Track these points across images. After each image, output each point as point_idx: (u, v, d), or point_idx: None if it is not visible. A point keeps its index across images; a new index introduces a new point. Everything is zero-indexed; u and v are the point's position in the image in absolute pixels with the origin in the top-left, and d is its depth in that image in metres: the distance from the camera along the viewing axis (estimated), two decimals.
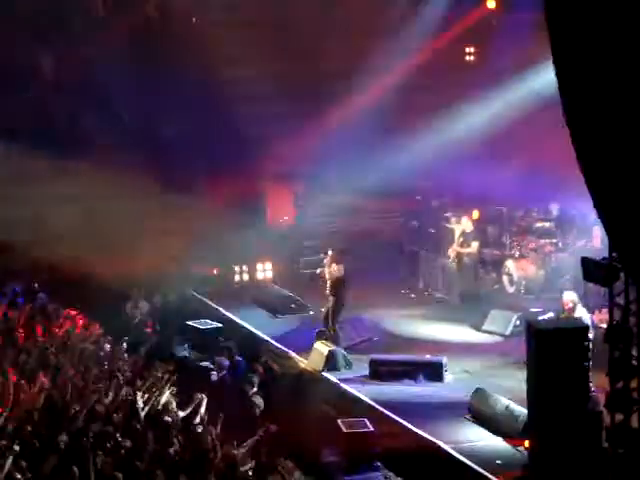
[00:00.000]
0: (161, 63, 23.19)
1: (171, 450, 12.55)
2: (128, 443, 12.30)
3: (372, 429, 14.07)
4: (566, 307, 14.65)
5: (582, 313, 14.54)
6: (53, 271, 20.36)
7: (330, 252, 18.34)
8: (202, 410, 14.10)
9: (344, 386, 16.41)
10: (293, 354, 17.85)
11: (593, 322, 14.80)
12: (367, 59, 22.81)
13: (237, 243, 21.81)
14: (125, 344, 16.93)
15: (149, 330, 18.81)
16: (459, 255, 20.35)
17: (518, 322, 17.69)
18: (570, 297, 14.74)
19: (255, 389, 15.36)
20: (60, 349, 15.91)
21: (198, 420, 13.85)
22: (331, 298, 18.08)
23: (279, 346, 18.27)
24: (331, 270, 18.12)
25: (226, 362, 16.46)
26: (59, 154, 21.63)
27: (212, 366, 16.47)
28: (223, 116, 23.34)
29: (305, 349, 17.78)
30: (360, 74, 22.88)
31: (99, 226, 21.70)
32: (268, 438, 13.48)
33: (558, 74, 8.88)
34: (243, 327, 19.49)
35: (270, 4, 23.32)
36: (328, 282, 18.16)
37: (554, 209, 21.45)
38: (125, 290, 20.03)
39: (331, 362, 17.10)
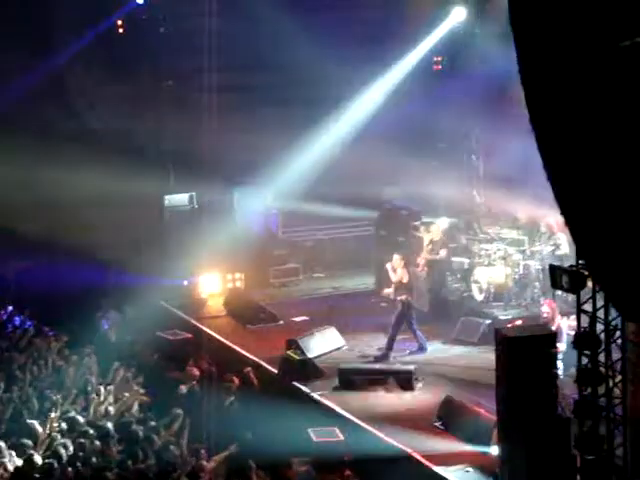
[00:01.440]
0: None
1: (139, 461, 12.54)
2: (98, 453, 12.30)
3: (342, 438, 14.08)
4: (544, 316, 14.68)
5: (561, 323, 14.55)
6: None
7: (394, 258, 18.27)
8: (176, 425, 14.10)
9: (314, 395, 16.39)
10: (264, 364, 17.81)
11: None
12: (336, 70, 22.90)
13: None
14: (94, 355, 16.91)
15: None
16: (428, 263, 20.41)
17: (487, 329, 17.74)
18: (549, 306, 14.77)
19: (232, 398, 15.34)
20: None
21: (171, 433, 13.84)
22: (399, 305, 17.99)
23: (250, 356, 18.23)
24: (396, 276, 18.05)
25: (195, 372, 16.42)
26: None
27: (181, 377, 16.41)
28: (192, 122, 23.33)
29: (275, 359, 17.74)
30: (329, 85, 22.93)
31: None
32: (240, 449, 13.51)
33: (524, 83, 8.95)
34: (213, 338, 19.44)
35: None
36: (393, 288, 18.14)
37: (522, 217, 21.58)
38: (95, 300, 20.01)
39: (301, 371, 17.09)
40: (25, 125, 22.20)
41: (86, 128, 23.40)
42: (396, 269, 18.18)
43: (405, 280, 18.08)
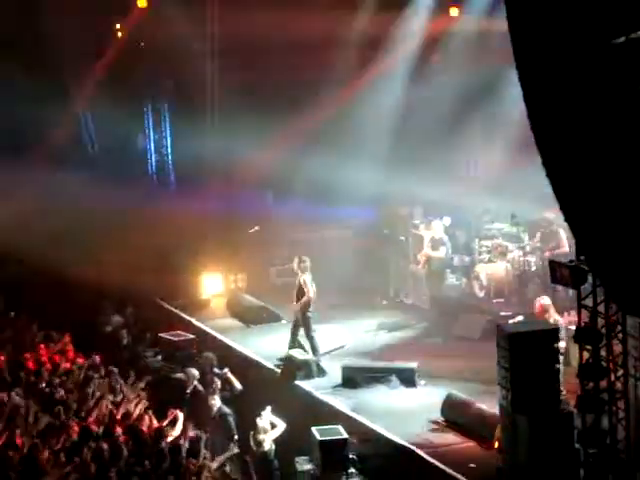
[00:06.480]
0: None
1: (146, 461, 12.62)
2: (106, 453, 12.39)
3: (346, 436, 14.14)
4: (537, 312, 14.74)
5: (555, 318, 14.61)
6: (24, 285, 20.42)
7: (295, 261, 18.20)
8: (179, 425, 14.17)
9: (318, 394, 16.46)
10: (267, 364, 17.87)
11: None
12: (331, 70, 23.01)
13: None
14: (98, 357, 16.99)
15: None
16: (429, 260, 20.48)
17: (488, 326, 17.79)
18: (542, 302, 14.84)
19: (217, 399, 15.40)
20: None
21: (175, 435, 13.91)
22: (299, 310, 17.87)
23: (252, 356, 18.29)
24: (298, 280, 17.91)
25: (196, 373, 16.46)
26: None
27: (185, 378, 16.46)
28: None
29: (278, 358, 17.80)
30: (325, 85, 23.06)
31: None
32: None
33: (521, 79, 9.02)
34: (216, 338, 19.49)
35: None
36: (295, 291, 17.91)
37: (521, 213, 21.62)
38: (96, 302, 20.09)
39: (305, 370, 17.15)
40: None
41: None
42: (297, 273, 17.81)
43: (305, 285, 17.69)
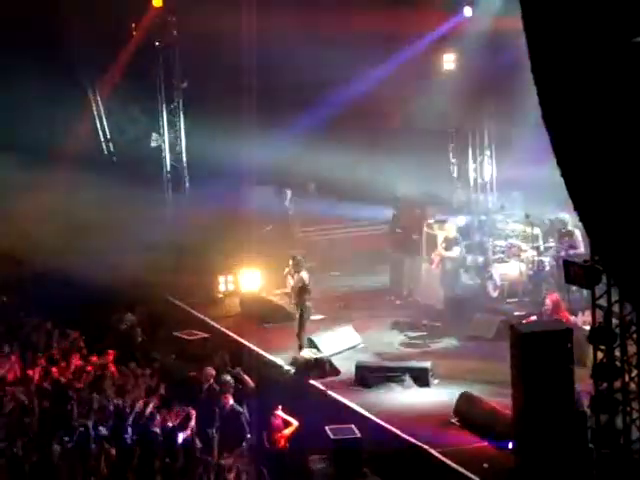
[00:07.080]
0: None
1: (158, 461, 12.65)
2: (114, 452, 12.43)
3: (359, 435, 14.14)
4: (546, 308, 14.73)
5: (568, 316, 14.61)
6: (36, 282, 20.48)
7: (291, 261, 18.20)
8: (192, 423, 14.20)
9: (331, 393, 16.47)
10: (280, 362, 17.90)
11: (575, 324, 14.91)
12: (342, 69, 23.04)
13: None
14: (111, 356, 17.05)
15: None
16: (442, 260, 20.48)
17: (502, 326, 17.77)
18: (551, 299, 14.83)
19: (230, 397, 15.45)
20: None
21: (188, 433, 13.94)
22: (297, 309, 17.91)
23: (266, 355, 18.32)
24: (294, 280, 17.90)
25: (212, 371, 16.50)
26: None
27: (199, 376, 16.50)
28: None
29: (292, 357, 17.81)
30: (331, 83, 23.11)
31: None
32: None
33: (536, 79, 9.00)
34: (230, 337, 19.53)
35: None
36: (292, 293, 17.95)
37: (535, 213, 21.60)
38: (110, 301, 20.14)
39: (318, 369, 17.17)
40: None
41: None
42: (293, 274, 17.90)
43: (305, 284, 17.81)
